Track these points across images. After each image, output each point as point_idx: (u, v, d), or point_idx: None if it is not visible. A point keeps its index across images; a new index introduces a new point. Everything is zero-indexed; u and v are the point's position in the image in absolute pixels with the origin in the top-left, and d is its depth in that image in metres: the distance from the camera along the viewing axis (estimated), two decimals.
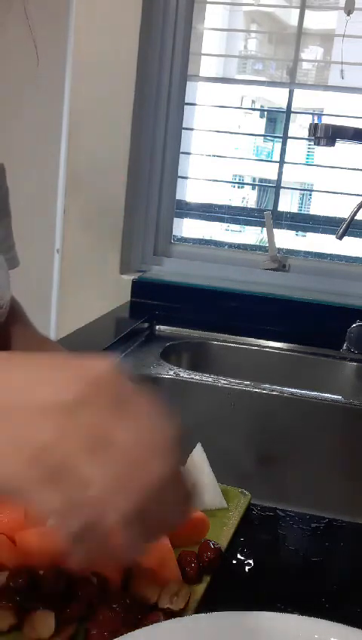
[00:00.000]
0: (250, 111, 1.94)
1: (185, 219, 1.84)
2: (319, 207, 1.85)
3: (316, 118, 1.81)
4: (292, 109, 1.73)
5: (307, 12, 1.66)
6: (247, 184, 1.97)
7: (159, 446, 0.39)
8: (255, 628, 0.44)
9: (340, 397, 1.20)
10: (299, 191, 1.89)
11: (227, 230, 1.89)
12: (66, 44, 1.66)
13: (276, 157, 1.79)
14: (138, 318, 1.50)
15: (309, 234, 1.85)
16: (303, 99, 1.74)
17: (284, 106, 1.74)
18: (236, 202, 1.90)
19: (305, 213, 1.87)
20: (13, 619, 0.48)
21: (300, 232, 1.84)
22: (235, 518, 0.68)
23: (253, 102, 1.95)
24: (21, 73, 1.68)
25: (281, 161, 1.75)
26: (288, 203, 1.83)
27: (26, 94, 1.69)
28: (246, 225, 1.89)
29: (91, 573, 0.51)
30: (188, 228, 1.85)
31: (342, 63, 1.64)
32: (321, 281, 1.64)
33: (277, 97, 1.81)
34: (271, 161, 1.85)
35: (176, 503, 0.40)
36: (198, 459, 0.72)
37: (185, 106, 1.70)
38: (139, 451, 0.37)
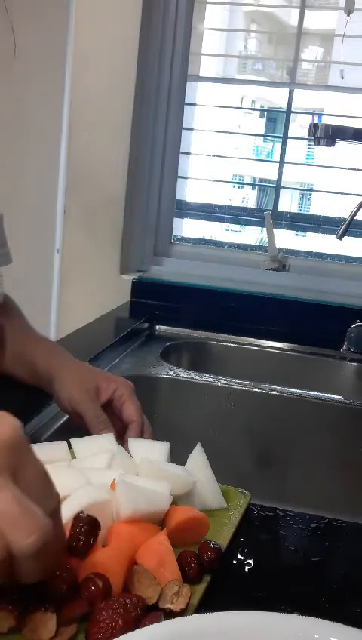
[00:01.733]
0: (250, 111, 1.94)
1: (185, 219, 1.84)
2: (319, 207, 1.85)
3: (316, 118, 1.81)
4: (292, 109, 1.73)
5: (307, 12, 1.67)
6: (247, 184, 1.97)
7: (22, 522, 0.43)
8: (255, 628, 0.44)
9: (340, 397, 1.20)
10: (299, 191, 1.89)
11: (227, 230, 1.89)
12: (66, 44, 1.66)
13: (276, 157, 1.79)
14: (138, 318, 1.51)
15: (309, 234, 1.85)
16: (303, 99, 1.74)
17: (284, 106, 1.74)
18: (236, 202, 1.90)
19: (305, 213, 1.87)
20: (12, 621, 0.48)
21: (300, 232, 1.84)
22: (235, 518, 0.68)
23: (253, 102, 1.95)
24: (21, 73, 1.68)
25: (281, 161, 1.75)
26: (288, 203, 1.83)
27: (26, 94, 1.69)
28: (247, 225, 1.89)
29: (92, 574, 0.51)
30: (188, 228, 1.85)
31: (342, 63, 1.64)
32: (321, 281, 1.64)
33: (277, 97, 1.81)
34: (271, 161, 1.85)
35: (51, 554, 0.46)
36: (198, 459, 0.72)
37: (185, 106, 1.70)
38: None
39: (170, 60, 1.63)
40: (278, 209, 1.77)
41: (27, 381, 0.92)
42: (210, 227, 1.87)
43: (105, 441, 0.75)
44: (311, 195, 1.90)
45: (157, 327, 1.52)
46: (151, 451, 0.74)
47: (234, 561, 0.62)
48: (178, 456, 0.74)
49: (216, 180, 1.83)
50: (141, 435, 0.85)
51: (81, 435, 0.77)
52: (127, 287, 1.67)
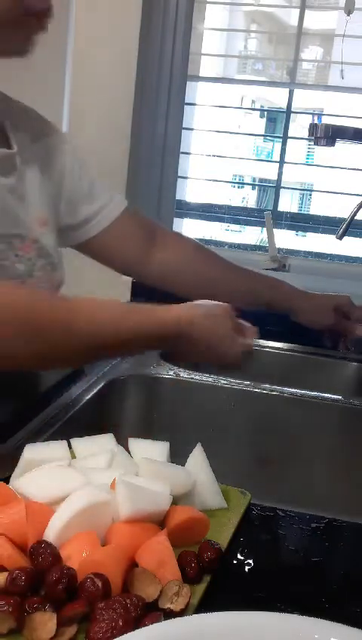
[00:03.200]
0: (250, 111, 1.94)
1: (185, 219, 1.84)
2: (319, 207, 1.85)
3: (316, 118, 1.81)
4: (292, 109, 1.73)
5: (307, 12, 1.67)
6: (247, 184, 1.97)
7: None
8: (255, 628, 0.44)
9: (340, 397, 1.20)
10: (299, 191, 1.89)
11: (227, 230, 1.89)
12: (66, 44, 1.66)
13: (276, 157, 1.79)
14: None
15: (309, 234, 1.85)
16: (303, 99, 1.75)
17: (284, 106, 1.74)
18: (236, 202, 1.90)
19: (305, 213, 1.87)
20: (12, 622, 0.48)
21: (300, 232, 1.84)
22: (235, 518, 0.68)
23: (253, 102, 1.95)
24: (21, 73, 1.68)
25: (281, 161, 1.75)
26: (288, 203, 1.83)
27: (26, 94, 1.69)
28: (246, 225, 1.89)
29: (92, 574, 0.51)
30: (188, 228, 1.85)
31: (342, 63, 1.64)
32: (321, 281, 1.64)
33: (277, 97, 1.81)
34: (271, 161, 1.85)
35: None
36: (198, 459, 0.72)
37: (185, 106, 1.70)
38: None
39: (170, 60, 1.63)
40: (278, 209, 1.77)
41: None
42: (210, 227, 1.87)
43: (105, 441, 0.75)
44: (311, 195, 1.90)
45: None
46: (151, 451, 0.74)
47: (234, 561, 0.62)
48: (178, 456, 0.74)
49: (216, 180, 1.83)
50: None
51: (82, 436, 0.77)
52: (127, 287, 1.67)
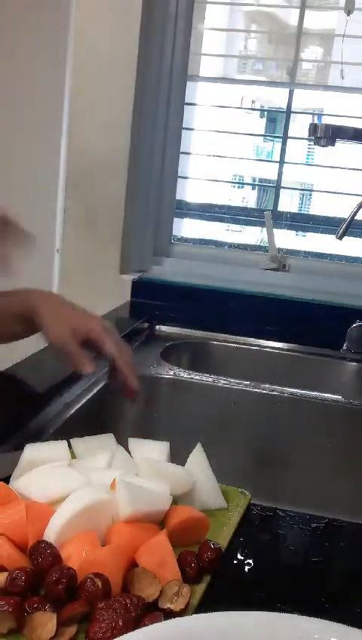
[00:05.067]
0: (250, 111, 1.94)
1: (185, 219, 1.84)
2: (319, 207, 1.85)
3: (316, 118, 1.81)
4: (292, 109, 1.73)
5: (307, 12, 1.67)
6: (247, 184, 1.97)
7: None
8: (255, 628, 0.44)
9: (340, 397, 1.20)
10: (299, 191, 1.89)
11: (227, 230, 1.89)
12: (67, 44, 1.66)
13: (276, 157, 1.79)
14: (138, 318, 1.51)
15: (309, 234, 1.85)
16: (303, 99, 1.74)
17: (284, 106, 1.74)
18: (236, 202, 1.90)
19: (305, 213, 1.87)
20: (12, 622, 0.48)
21: (300, 232, 1.84)
22: (235, 518, 0.68)
23: (253, 102, 1.95)
24: (21, 73, 1.68)
25: (281, 161, 1.75)
26: (288, 203, 1.83)
27: (26, 94, 1.69)
28: (247, 225, 1.89)
29: (92, 574, 0.51)
30: (188, 228, 1.85)
31: (342, 63, 1.64)
32: (321, 281, 1.64)
33: (277, 97, 1.81)
34: (271, 161, 1.85)
35: None
36: (198, 459, 0.72)
37: (185, 106, 1.70)
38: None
39: (170, 60, 1.63)
40: (278, 209, 1.77)
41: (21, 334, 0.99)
42: (210, 227, 1.87)
43: (105, 441, 0.75)
44: (311, 195, 1.90)
45: (157, 327, 1.52)
46: (151, 451, 0.74)
47: (235, 561, 0.62)
48: (178, 456, 0.74)
49: (216, 180, 1.83)
50: (128, 367, 0.93)
51: (82, 436, 0.77)
52: (127, 287, 1.67)
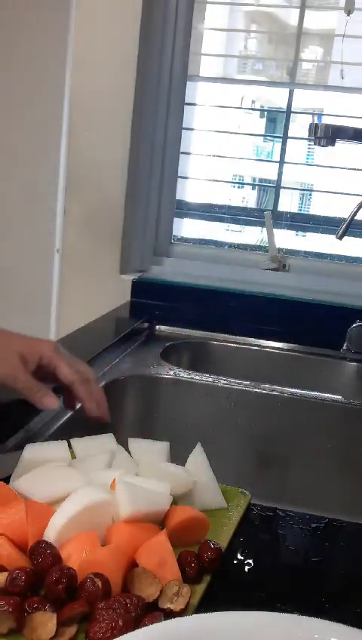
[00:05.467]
0: (250, 111, 1.94)
1: (185, 219, 1.84)
2: (319, 207, 1.85)
3: (316, 118, 1.81)
4: (292, 109, 1.73)
5: (307, 12, 1.67)
6: (247, 184, 1.97)
7: None
8: (255, 628, 0.44)
9: (340, 397, 1.20)
10: (299, 191, 1.89)
11: (227, 230, 1.89)
12: (67, 44, 1.66)
13: (276, 157, 1.79)
14: (138, 318, 1.50)
15: (309, 234, 1.85)
16: (303, 99, 1.74)
17: (284, 106, 1.74)
18: (236, 202, 1.90)
19: (305, 213, 1.87)
20: (12, 622, 0.48)
21: (300, 232, 1.84)
22: (235, 518, 0.68)
23: (253, 102, 1.95)
24: (21, 73, 1.68)
25: (281, 161, 1.75)
26: (288, 203, 1.83)
27: (26, 94, 1.69)
28: (247, 225, 1.89)
29: (92, 574, 0.51)
30: (188, 228, 1.85)
31: (342, 63, 1.64)
32: (321, 281, 1.64)
33: (277, 97, 1.81)
34: (271, 161, 1.85)
35: None
36: (198, 459, 0.72)
37: (185, 106, 1.70)
38: None
39: (170, 60, 1.63)
40: (278, 209, 1.77)
41: None
42: (210, 227, 1.87)
43: (105, 441, 0.75)
44: (311, 195, 1.90)
45: (157, 327, 1.52)
46: (151, 451, 0.74)
47: (235, 561, 0.62)
48: (178, 456, 0.74)
49: (216, 180, 1.83)
50: (91, 393, 0.82)
51: (82, 436, 0.77)
52: (127, 287, 1.67)
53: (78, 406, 0.85)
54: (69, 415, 0.94)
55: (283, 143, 1.74)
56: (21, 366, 0.79)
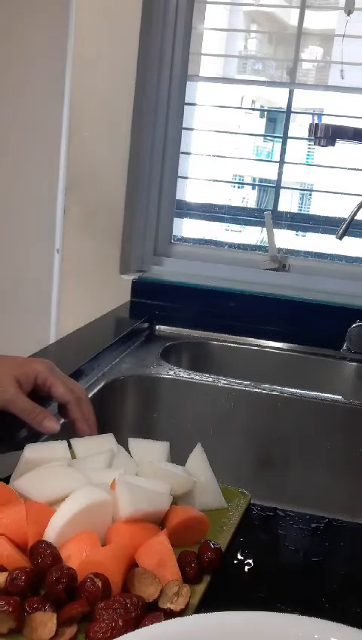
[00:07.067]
0: (250, 111, 1.94)
1: (185, 219, 1.84)
2: (319, 207, 1.85)
3: (316, 118, 1.80)
4: (292, 109, 1.73)
5: (307, 12, 1.66)
6: (247, 184, 1.97)
7: None
8: (255, 628, 0.44)
9: (340, 397, 1.20)
10: (299, 191, 1.89)
11: (227, 230, 1.89)
12: (67, 44, 1.66)
13: (276, 157, 1.79)
14: (138, 318, 1.50)
15: (309, 234, 1.85)
16: (303, 99, 1.74)
17: (284, 106, 1.74)
18: (236, 202, 1.90)
19: (305, 213, 1.87)
20: (12, 622, 0.48)
21: (300, 232, 1.84)
22: (235, 518, 0.68)
23: (253, 102, 1.95)
24: (21, 73, 1.68)
25: (281, 161, 1.75)
26: (288, 203, 1.83)
27: (26, 94, 1.69)
28: (247, 225, 1.89)
29: (92, 574, 0.51)
30: (188, 228, 1.85)
31: (342, 63, 1.64)
32: (321, 281, 1.64)
33: (277, 97, 1.81)
34: (271, 161, 1.85)
35: None
36: (198, 459, 0.72)
37: (185, 106, 1.70)
38: None
39: (170, 60, 1.63)
40: (278, 209, 1.77)
41: None
42: (210, 227, 1.87)
43: (105, 441, 0.75)
44: (311, 195, 1.90)
45: (157, 327, 1.52)
46: (151, 451, 0.74)
47: (235, 561, 0.62)
48: (178, 456, 0.74)
49: (216, 180, 1.83)
50: (83, 413, 0.82)
51: (81, 435, 0.77)
52: (127, 287, 1.67)
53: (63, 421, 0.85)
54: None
55: (283, 143, 1.74)
56: (18, 390, 0.79)
